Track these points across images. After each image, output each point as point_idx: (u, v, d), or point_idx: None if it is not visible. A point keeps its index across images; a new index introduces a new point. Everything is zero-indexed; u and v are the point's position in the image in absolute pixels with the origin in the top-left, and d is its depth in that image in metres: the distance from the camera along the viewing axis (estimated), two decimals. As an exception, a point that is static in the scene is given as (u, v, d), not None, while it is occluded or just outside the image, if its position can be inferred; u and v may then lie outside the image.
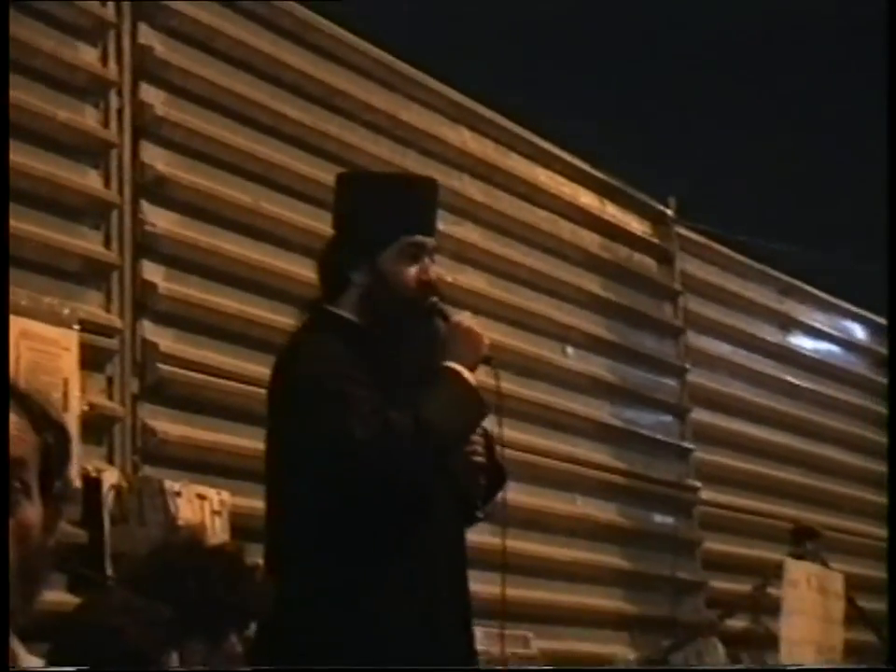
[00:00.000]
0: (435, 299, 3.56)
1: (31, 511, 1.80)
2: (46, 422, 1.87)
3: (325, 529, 3.40)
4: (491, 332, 5.72)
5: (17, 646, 1.85)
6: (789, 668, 6.22)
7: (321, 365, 3.40)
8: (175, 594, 2.86)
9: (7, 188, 3.54)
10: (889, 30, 5.96)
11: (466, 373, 3.46)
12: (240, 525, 4.23)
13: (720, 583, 6.87)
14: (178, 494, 4.17)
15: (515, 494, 4.09)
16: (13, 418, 1.82)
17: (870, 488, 8.30)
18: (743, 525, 7.24)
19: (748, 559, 7.02)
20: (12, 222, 3.95)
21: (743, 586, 6.61)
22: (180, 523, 4.02)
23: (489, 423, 3.64)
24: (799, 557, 6.61)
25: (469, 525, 3.83)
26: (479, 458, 3.60)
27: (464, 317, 3.62)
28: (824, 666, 6.16)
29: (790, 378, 7.96)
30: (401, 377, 3.45)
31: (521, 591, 5.71)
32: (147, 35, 4.50)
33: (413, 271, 3.49)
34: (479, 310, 5.78)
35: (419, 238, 3.52)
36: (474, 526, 3.97)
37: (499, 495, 3.73)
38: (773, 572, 6.43)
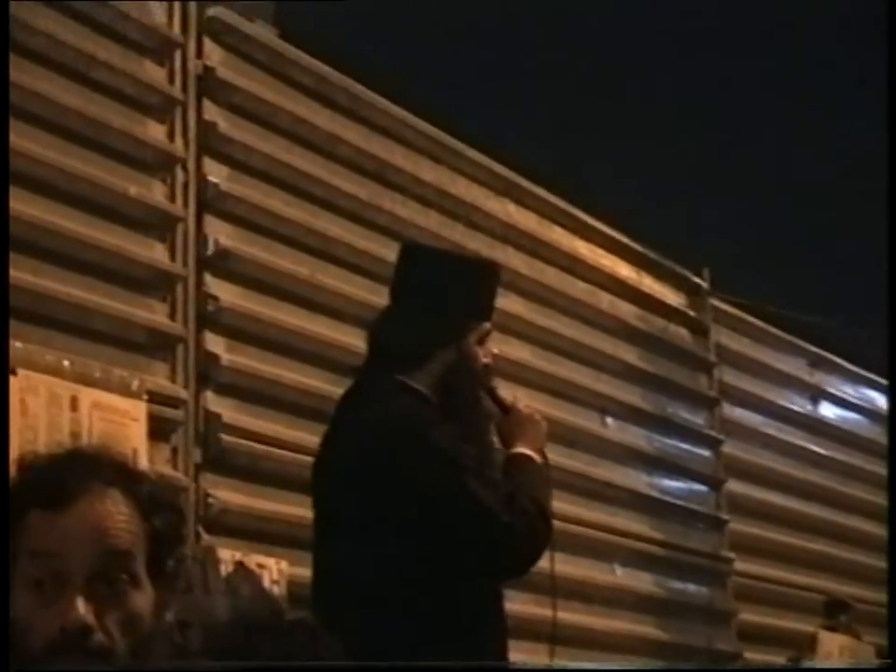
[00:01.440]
0: (494, 384, 3.65)
1: (140, 601, 1.83)
2: (154, 505, 1.89)
3: (428, 599, 3.39)
4: (534, 403, 5.87)
5: None
6: (789, 668, 6.25)
7: (447, 440, 3.39)
8: (249, 662, 2.90)
9: (7, 190, 3.60)
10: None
11: (539, 459, 3.53)
12: (297, 594, 4.28)
13: (754, 655, 6.89)
14: (238, 563, 4.22)
15: (557, 563, 4.13)
16: (120, 508, 1.83)
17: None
18: (777, 596, 7.27)
19: (782, 631, 7.04)
20: (85, 294, 4.04)
21: (778, 658, 6.64)
22: (245, 593, 4.07)
23: None
24: (832, 629, 6.65)
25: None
26: None
27: (524, 405, 3.70)
28: (824, 666, 6.18)
29: (819, 449, 8.01)
30: (481, 459, 3.51)
31: (563, 660, 5.77)
32: (210, 112, 4.59)
33: (481, 355, 3.57)
34: (522, 380, 5.87)
35: (489, 326, 3.60)
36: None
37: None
38: (806, 644, 6.46)
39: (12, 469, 1.87)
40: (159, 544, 1.88)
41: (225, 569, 4.16)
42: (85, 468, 1.86)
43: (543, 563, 3.83)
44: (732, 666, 6.60)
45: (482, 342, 3.58)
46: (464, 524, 3.33)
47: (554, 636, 4.15)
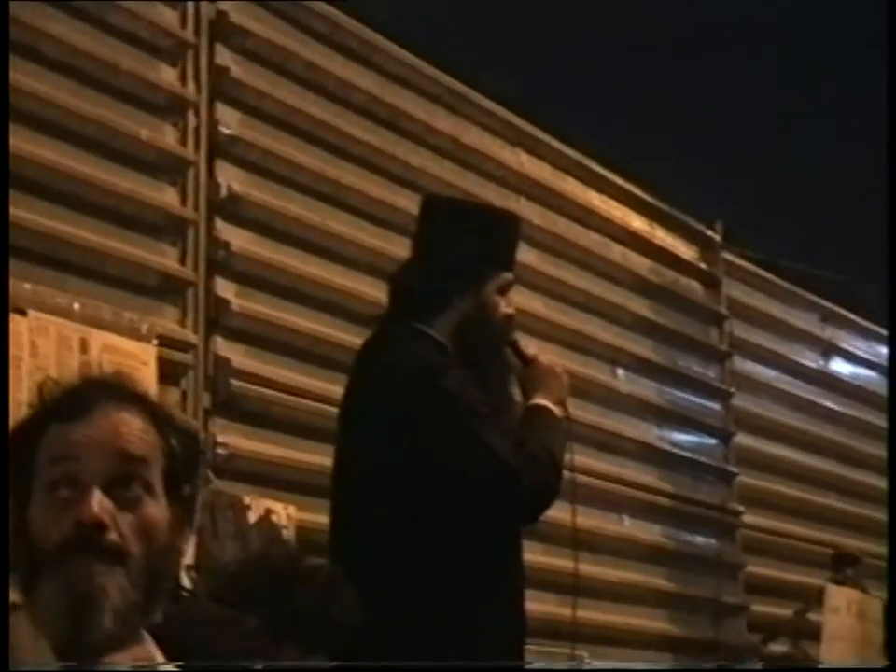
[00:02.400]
0: (515, 335, 3.65)
1: (154, 510, 1.85)
2: (170, 426, 1.93)
3: (438, 542, 3.41)
4: (546, 353, 5.87)
5: (151, 645, 1.90)
6: (789, 668, 6.28)
7: (460, 387, 3.40)
8: (263, 607, 2.91)
9: (7, 187, 3.60)
10: None
11: (557, 411, 3.54)
12: (306, 540, 4.30)
13: (761, 607, 6.91)
14: (247, 507, 4.24)
15: (563, 513, 4.14)
16: (136, 420, 1.88)
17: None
18: (785, 549, 7.29)
19: (789, 584, 7.06)
20: (96, 237, 4.05)
21: (785, 611, 6.66)
22: (253, 537, 4.09)
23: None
24: (839, 583, 6.65)
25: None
26: None
27: (546, 357, 3.71)
28: (824, 666, 6.20)
29: (830, 404, 8.01)
30: (498, 409, 3.52)
31: (569, 610, 5.79)
32: (223, 56, 4.58)
33: (502, 306, 3.57)
34: (534, 332, 5.87)
35: (511, 276, 3.60)
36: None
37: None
38: (814, 597, 6.47)
39: (33, 397, 1.92)
40: (175, 462, 1.90)
41: (234, 514, 4.17)
42: (103, 387, 1.91)
43: (563, 515, 3.86)
44: (743, 666, 6.61)
45: (503, 292, 3.58)
46: (471, 468, 3.35)
47: (576, 588, 4.17)
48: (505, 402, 3.55)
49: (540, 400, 3.53)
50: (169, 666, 1.91)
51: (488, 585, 3.42)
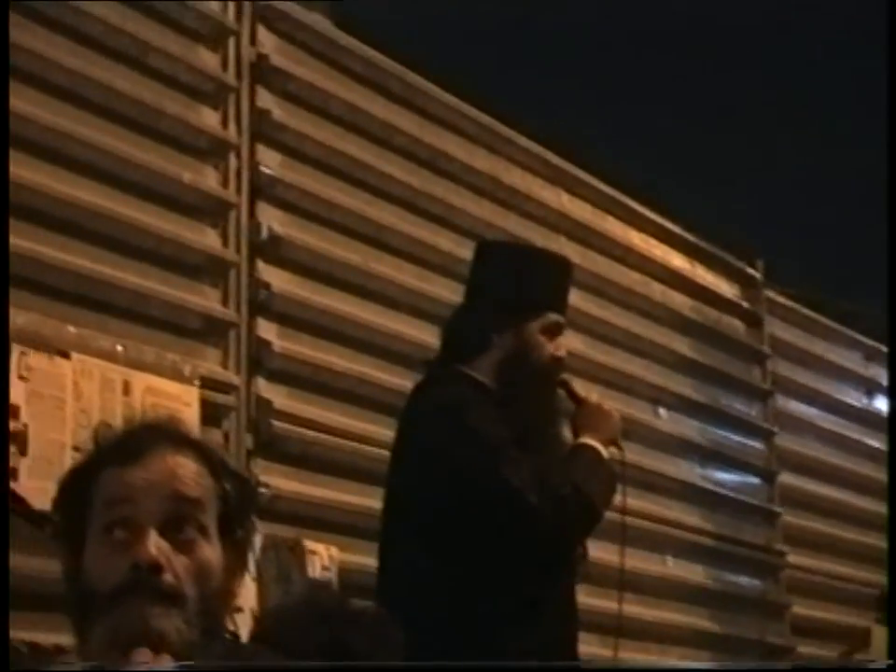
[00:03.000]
0: (566, 375, 3.65)
1: (209, 552, 1.87)
2: (224, 471, 1.94)
3: (467, 590, 3.41)
4: (587, 394, 5.86)
5: None
6: (789, 668, 6.22)
7: (480, 426, 3.41)
8: (312, 649, 2.90)
9: (7, 196, 3.62)
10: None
11: (603, 450, 3.53)
12: (348, 581, 4.29)
13: (808, 649, 6.85)
14: (290, 549, 4.23)
15: (608, 553, 4.12)
16: (190, 464, 1.89)
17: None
18: (830, 590, 7.23)
19: (835, 625, 7.00)
20: (139, 280, 4.06)
21: (830, 652, 6.60)
22: (296, 578, 4.08)
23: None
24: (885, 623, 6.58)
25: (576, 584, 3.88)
26: None
27: (596, 397, 3.70)
28: (824, 666, 6.14)
29: (874, 442, 7.95)
30: (528, 445, 3.51)
31: (611, 651, 5.75)
32: (264, 99, 4.61)
33: (550, 346, 3.57)
34: (576, 371, 5.85)
35: (560, 318, 3.60)
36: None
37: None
38: (860, 638, 6.42)
39: (86, 441, 1.93)
40: (228, 507, 1.92)
41: (277, 555, 4.17)
42: (157, 431, 1.93)
43: (608, 556, 3.84)
44: (746, 666, 6.55)
45: (549, 333, 3.58)
46: (488, 504, 3.35)
47: (620, 630, 4.16)
48: (548, 441, 3.54)
49: (586, 439, 3.53)
50: (170, 666, 1.90)
51: (523, 623, 3.41)
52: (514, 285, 3.58)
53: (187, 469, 1.88)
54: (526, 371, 3.53)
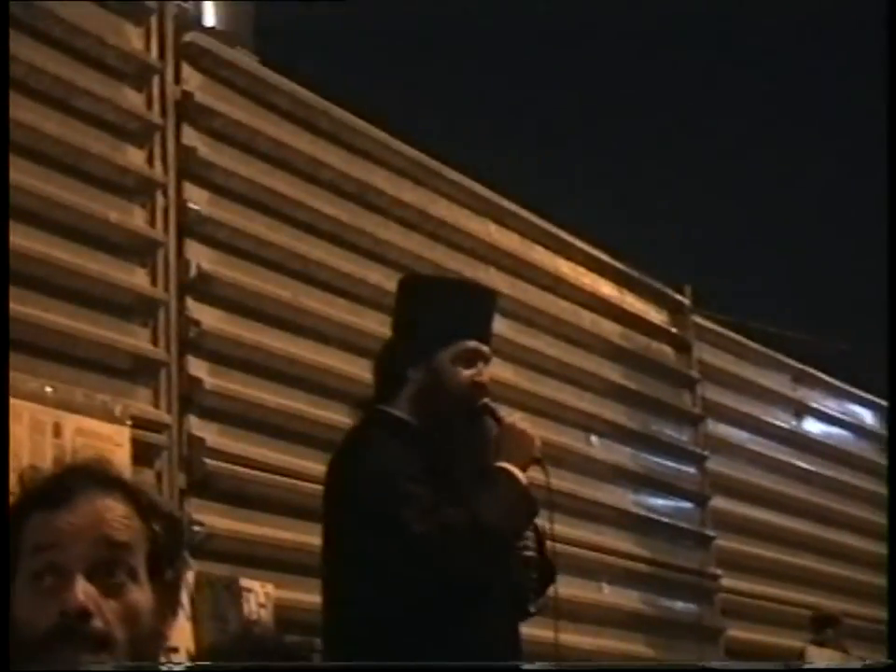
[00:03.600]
0: (487, 400, 3.64)
1: (139, 595, 1.85)
2: (153, 512, 1.92)
3: (381, 623, 3.45)
4: (510, 416, 5.88)
5: None
6: (788, 668, 6.24)
7: (379, 464, 3.47)
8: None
9: (7, 205, 3.61)
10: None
11: (517, 473, 3.54)
12: (284, 618, 4.28)
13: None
14: (226, 587, 4.22)
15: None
16: (119, 507, 1.87)
17: (885, 573, 8.34)
18: (764, 612, 7.28)
19: (770, 646, 7.05)
20: (67, 321, 4.04)
21: (832, 664, 6.61)
22: (232, 617, 4.06)
23: (539, 519, 3.71)
24: (820, 644, 6.65)
25: (522, 619, 3.89)
26: (530, 553, 3.66)
27: (515, 418, 3.69)
28: (824, 666, 6.18)
29: (804, 464, 8.03)
30: (454, 475, 3.52)
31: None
32: (190, 137, 4.60)
33: (467, 373, 3.58)
34: (506, 400, 5.87)
35: (476, 344, 3.60)
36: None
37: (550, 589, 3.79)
38: (795, 659, 6.46)
39: (14, 485, 1.91)
40: (158, 549, 1.91)
41: (212, 594, 4.15)
42: (85, 474, 1.92)
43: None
44: (743, 666, 6.57)
45: (466, 361, 3.59)
46: (384, 541, 3.39)
47: (558, 656, 4.17)
48: (472, 468, 3.55)
49: (500, 463, 3.54)
50: (171, 666, 1.90)
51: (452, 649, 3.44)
52: (423, 316, 3.60)
53: (115, 512, 1.87)
54: (441, 401, 3.55)
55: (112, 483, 1.91)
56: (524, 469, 3.58)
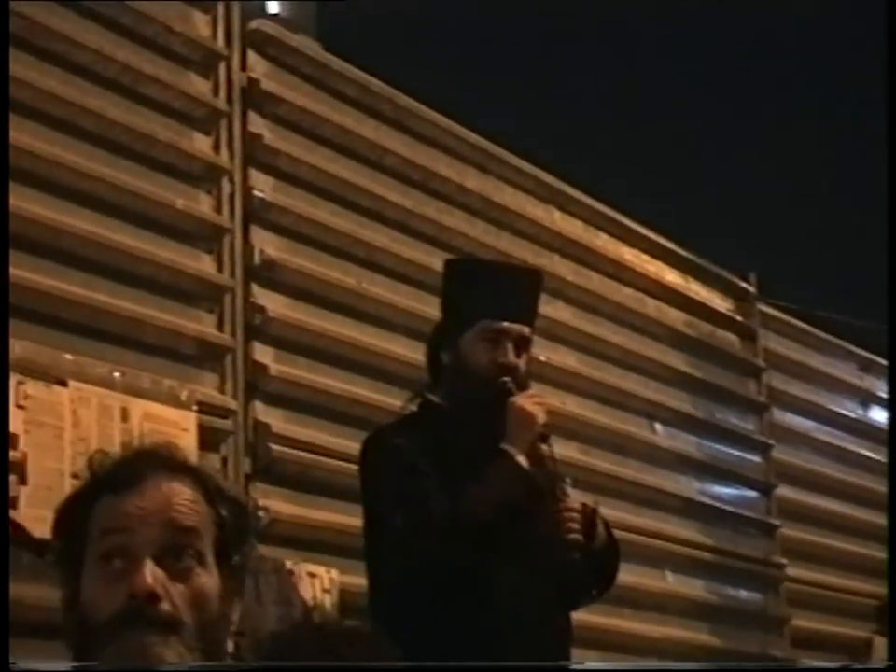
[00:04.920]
0: (507, 379, 3.62)
1: (206, 580, 1.88)
2: (220, 496, 1.95)
3: (395, 602, 3.50)
4: (583, 410, 5.88)
5: None
6: (787, 669, 6.22)
7: (382, 456, 3.60)
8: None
9: (7, 194, 3.63)
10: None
11: (514, 453, 3.54)
12: (350, 603, 4.30)
13: (809, 661, 6.85)
14: (291, 573, 4.24)
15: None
16: (187, 491, 1.90)
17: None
18: (830, 601, 7.23)
19: (836, 636, 7.00)
20: (134, 306, 4.08)
21: (832, 664, 6.60)
22: (297, 602, 4.08)
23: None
24: (886, 634, 6.59)
25: (577, 606, 3.88)
26: (574, 536, 3.64)
27: (521, 396, 3.66)
28: (824, 666, 6.14)
29: (870, 453, 7.96)
30: (473, 459, 3.54)
31: (615, 668, 5.75)
32: (256, 123, 4.62)
33: (490, 354, 3.57)
34: (570, 388, 5.88)
35: (499, 324, 3.60)
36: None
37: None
38: (861, 650, 6.42)
39: (83, 470, 1.94)
40: (225, 533, 1.93)
41: (277, 579, 4.17)
42: (153, 458, 1.94)
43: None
44: (747, 667, 6.55)
45: (491, 341, 3.59)
46: (379, 532, 3.45)
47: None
48: (490, 451, 3.57)
49: (502, 444, 3.55)
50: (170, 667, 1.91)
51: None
52: (454, 298, 3.63)
53: (182, 496, 1.88)
54: (465, 384, 3.56)
55: (180, 467, 1.93)
56: (528, 449, 3.59)
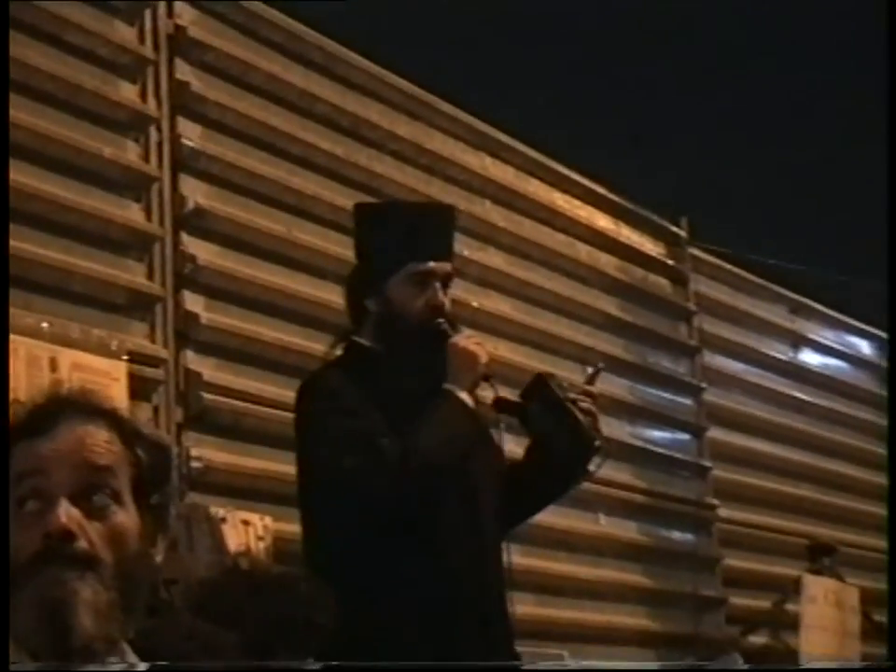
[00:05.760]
0: (441, 321, 3.63)
1: (123, 518, 1.88)
2: (137, 437, 1.96)
3: (341, 547, 3.51)
4: (515, 355, 5.90)
5: (132, 657, 1.92)
6: (787, 668, 6.30)
7: (322, 400, 3.55)
8: (245, 616, 2.93)
9: (7, 196, 3.62)
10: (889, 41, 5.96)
11: (459, 393, 3.55)
12: (283, 550, 4.32)
13: (740, 600, 6.95)
14: (223, 520, 4.25)
15: (541, 515, 4.18)
16: (101, 432, 1.91)
17: (881, 503, 8.40)
18: (761, 541, 7.33)
19: (767, 576, 7.10)
20: (62, 256, 4.06)
21: (763, 602, 6.70)
22: (230, 549, 4.10)
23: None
24: (816, 573, 6.69)
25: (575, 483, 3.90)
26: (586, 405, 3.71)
27: (460, 337, 3.67)
28: (824, 666, 6.23)
29: (801, 395, 8.06)
30: (410, 401, 3.54)
31: (549, 610, 5.82)
32: (183, 71, 4.60)
33: (420, 296, 3.58)
34: (503, 334, 5.90)
35: (426, 265, 3.59)
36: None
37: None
38: (792, 588, 6.51)
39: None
40: (142, 472, 1.94)
41: (210, 527, 4.18)
42: (67, 403, 1.95)
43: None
44: (750, 666, 6.64)
45: (419, 284, 3.58)
46: (326, 475, 3.48)
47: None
48: (429, 394, 3.57)
49: (446, 385, 3.56)
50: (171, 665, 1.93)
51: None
52: (373, 243, 3.61)
53: (96, 437, 1.90)
54: (397, 328, 3.56)
55: (94, 410, 1.94)
56: (472, 389, 3.60)
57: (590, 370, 3.93)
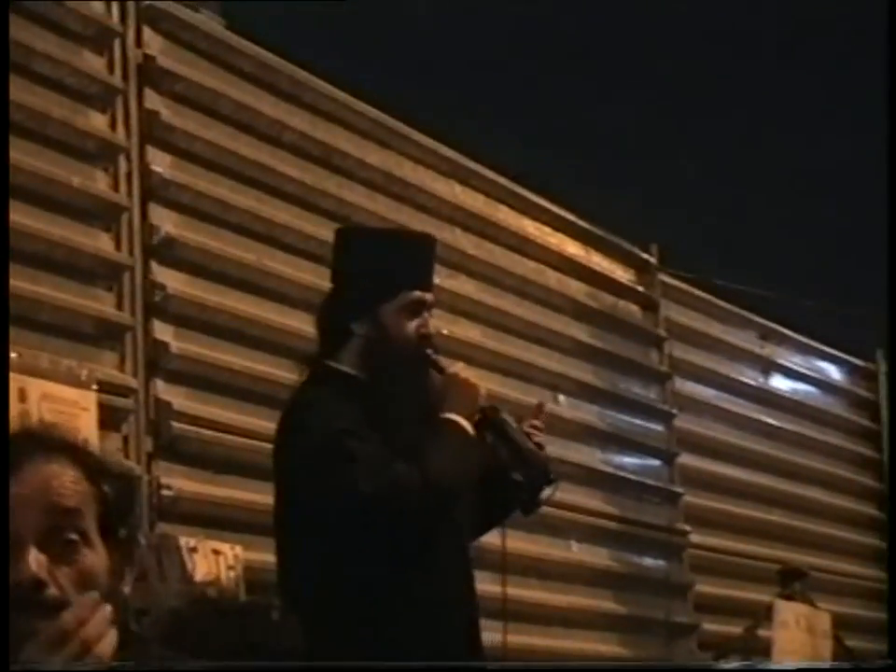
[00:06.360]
0: (431, 351, 3.64)
1: (91, 558, 1.85)
2: (102, 472, 1.92)
3: (333, 581, 3.47)
4: (486, 382, 5.90)
5: None
6: (787, 668, 6.31)
7: (325, 422, 3.45)
8: (206, 648, 2.93)
9: (7, 199, 3.61)
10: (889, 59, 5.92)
11: (465, 424, 3.55)
12: (254, 579, 4.31)
13: (712, 626, 6.96)
14: (194, 550, 4.24)
15: (513, 541, 4.18)
16: (66, 471, 1.87)
17: (851, 528, 8.43)
18: (732, 567, 7.34)
19: (738, 601, 7.12)
20: (30, 286, 4.05)
21: (735, 628, 6.71)
22: (198, 579, 4.09)
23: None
24: (787, 598, 6.71)
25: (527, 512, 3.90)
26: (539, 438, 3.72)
27: (459, 369, 3.69)
28: (824, 666, 6.24)
29: (772, 420, 8.08)
30: (401, 428, 3.54)
31: (520, 637, 5.81)
32: (153, 100, 4.60)
33: (412, 324, 3.58)
34: (473, 360, 5.90)
35: (419, 294, 3.60)
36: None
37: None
38: (763, 613, 6.53)
39: None
40: (109, 508, 1.91)
41: (180, 557, 4.17)
42: (29, 440, 1.91)
43: (495, 540, 3.89)
44: (727, 666, 6.64)
45: (411, 312, 3.58)
46: (330, 495, 3.42)
47: (505, 612, 4.19)
48: (422, 421, 3.57)
49: (446, 414, 3.55)
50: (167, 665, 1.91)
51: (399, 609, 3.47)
52: (364, 268, 3.59)
53: (62, 478, 1.85)
54: (389, 354, 3.55)
55: (57, 447, 1.90)
56: (470, 419, 3.61)
57: (536, 402, 3.93)
